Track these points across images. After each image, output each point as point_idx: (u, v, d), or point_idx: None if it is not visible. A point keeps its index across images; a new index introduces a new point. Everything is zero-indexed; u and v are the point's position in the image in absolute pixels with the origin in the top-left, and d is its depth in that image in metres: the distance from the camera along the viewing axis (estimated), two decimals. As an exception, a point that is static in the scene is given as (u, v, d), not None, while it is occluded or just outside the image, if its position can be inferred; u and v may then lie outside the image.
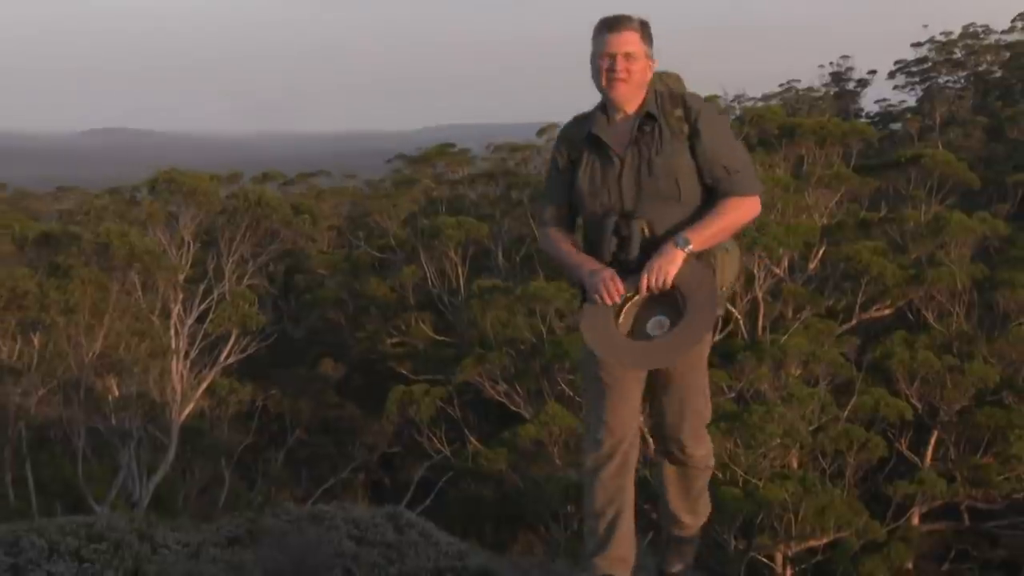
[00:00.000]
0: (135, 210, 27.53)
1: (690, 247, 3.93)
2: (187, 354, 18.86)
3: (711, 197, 4.06)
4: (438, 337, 26.94)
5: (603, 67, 4.02)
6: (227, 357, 19.53)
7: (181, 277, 19.15)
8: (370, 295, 29.30)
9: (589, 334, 4.03)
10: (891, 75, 53.50)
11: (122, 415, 17.35)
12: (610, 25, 4.03)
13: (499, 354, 21.42)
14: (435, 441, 21.36)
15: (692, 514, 4.67)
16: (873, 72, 57.17)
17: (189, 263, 19.80)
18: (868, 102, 56.00)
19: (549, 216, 4.32)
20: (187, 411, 18.75)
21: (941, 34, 53.21)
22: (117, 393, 17.86)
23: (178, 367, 18.65)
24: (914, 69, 52.62)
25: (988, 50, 51.57)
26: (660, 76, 4.17)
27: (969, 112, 45.37)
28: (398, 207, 34.45)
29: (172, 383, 18.45)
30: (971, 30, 52.67)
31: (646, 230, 4.00)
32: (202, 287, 19.39)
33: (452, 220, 28.15)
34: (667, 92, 4.10)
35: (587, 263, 4.07)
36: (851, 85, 57.35)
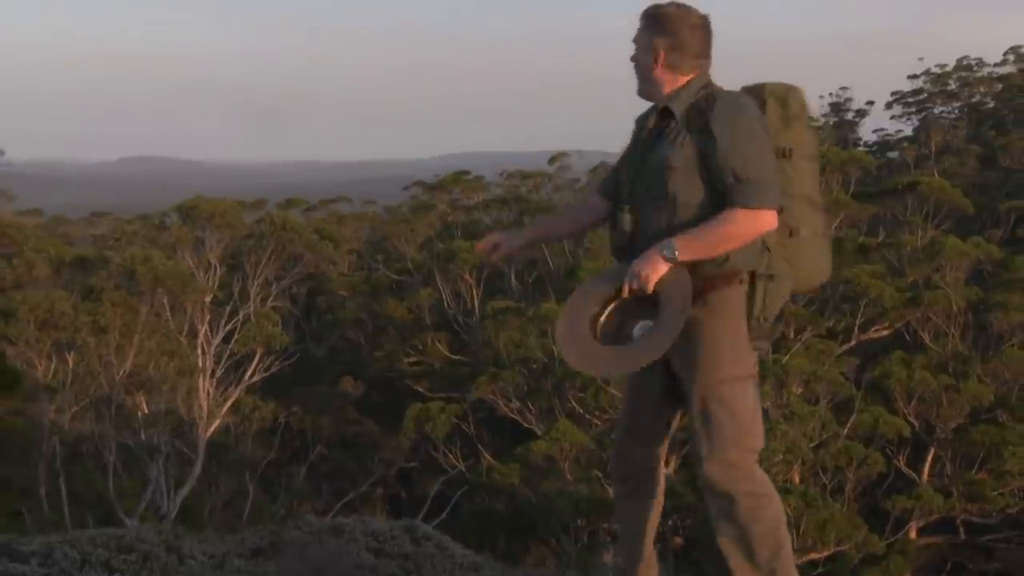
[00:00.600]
0: (165, 235, 27.64)
1: (675, 255, 3.54)
2: (213, 373, 18.90)
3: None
4: (453, 356, 26.93)
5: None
6: (252, 375, 19.56)
7: (208, 299, 19.20)
8: (388, 316, 29.32)
9: (561, 333, 3.78)
10: (888, 106, 53.55)
11: (151, 431, 17.38)
12: None
13: (512, 373, 21.41)
14: (450, 456, 21.35)
15: (739, 558, 3.75)
16: (871, 103, 57.26)
17: (216, 285, 19.86)
18: (866, 131, 56.08)
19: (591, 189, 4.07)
20: (213, 427, 18.77)
21: (936, 67, 53.29)
22: (146, 410, 17.89)
23: (205, 385, 18.68)
24: (910, 100, 52.64)
25: (981, 82, 51.56)
26: (734, 94, 3.72)
27: (963, 141, 45.32)
28: (415, 232, 34.50)
29: (199, 400, 18.48)
30: (965, 63, 52.70)
31: (630, 223, 3.74)
32: (228, 308, 19.45)
33: (467, 244, 28.17)
34: (713, 91, 3.69)
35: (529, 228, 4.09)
36: (850, 115, 57.38)
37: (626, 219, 3.76)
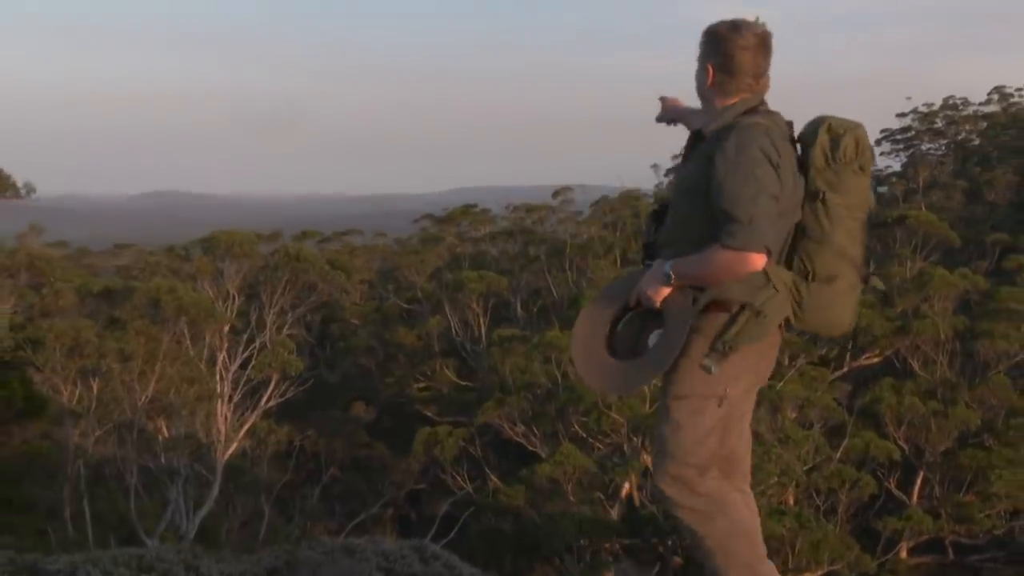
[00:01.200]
0: (186, 266, 27.70)
1: (671, 279, 3.51)
2: (231, 398, 18.90)
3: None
4: (461, 382, 26.91)
5: None
6: (267, 401, 19.55)
7: (226, 327, 19.22)
8: (398, 343, 29.32)
9: (578, 356, 3.75)
10: (878, 143, 53.47)
11: (171, 454, 17.37)
12: None
13: (517, 398, 21.39)
14: (458, 479, 21.31)
15: (709, 568, 3.71)
16: (861, 140, 57.18)
17: (234, 314, 19.89)
18: (857, 167, 56.10)
19: None
20: (230, 451, 18.75)
21: (924, 106, 53.27)
22: (167, 434, 17.89)
23: (223, 410, 18.68)
24: (899, 137, 52.65)
25: (967, 120, 51.57)
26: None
27: (950, 176, 45.31)
28: (425, 262, 34.53)
29: (217, 425, 18.48)
30: (951, 102, 52.73)
31: (653, 231, 3.74)
32: (245, 336, 19.46)
33: (474, 274, 28.22)
34: (739, 119, 3.54)
35: None
36: (841, 151, 57.36)
37: (651, 226, 3.75)
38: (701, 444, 3.60)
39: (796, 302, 3.60)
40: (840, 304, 3.63)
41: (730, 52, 3.56)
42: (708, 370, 3.55)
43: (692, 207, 3.56)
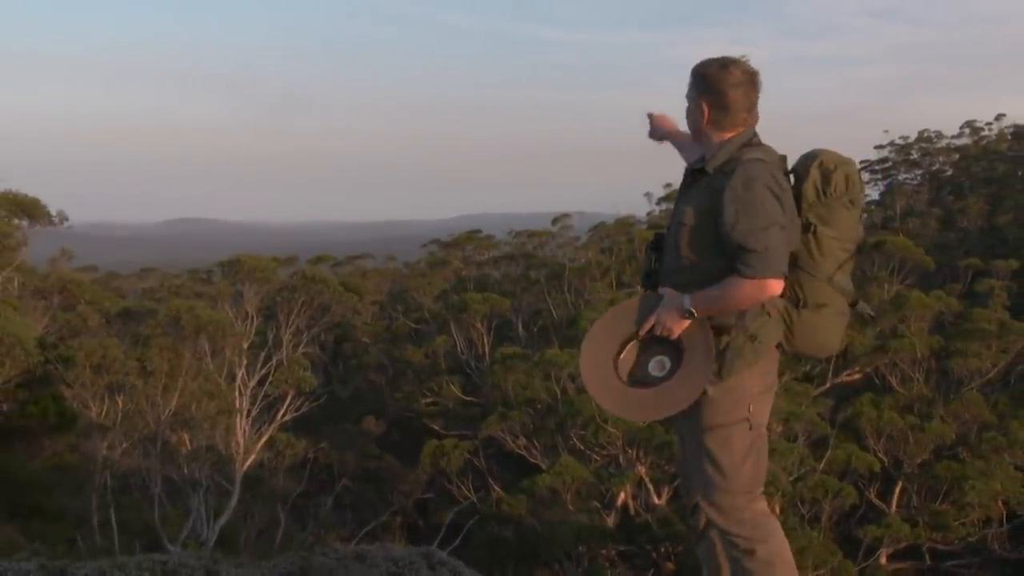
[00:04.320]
0: (208, 288, 27.69)
1: (692, 311, 3.44)
2: (249, 412, 18.85)
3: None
4: (466, 398, 26.87)
5: None
6: (284, 415, 19.50)
7: (245, 345, 19.19)
8: (407, 361, 29.28)
9: (591, 380, 3.62)
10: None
11: (193, 465, 17.31)
12: None
13: (519, 413, 21.35)
14: (463, 489, 21.25)
15: None
16: (841, 170, 57.21)
17: (252, 333, 19.85)
18: (838, 196, 56.14)
19: None
20: (248, 462, 18.69)
21: (900, 138, 53.46)
22: (189, 446, 17.84)
23: (241, 424, 18.63)
24: (877, 168, 52.75)
25: (941, 152, 51.71)
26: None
27: (925, 205, 45.41)
28: (432, 285, 34.55)
29: (236, 438, 18.42)
30: (926, 135, 52.88)
31: (652, 260, 3.67)
32: (263, 354, 19.42)
33: (478, 296, 28.21)
34: (743, 154, 3.49)
35: None
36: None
37: (650, 256, 3.68)
38: (739, 470, 3.54)
39: (787, 327, 3.57)
40: (828, 330, 3.61)
41: (723, 90, 3.53)
42: (706, 393, 3.51)
43: (698, 239, 3.51)
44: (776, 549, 3.57)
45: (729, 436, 3.54)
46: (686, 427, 3.60)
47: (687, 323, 3.47)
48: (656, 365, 3.54)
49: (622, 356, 3.59)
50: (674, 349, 3.52)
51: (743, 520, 3.55)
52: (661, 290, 3.57)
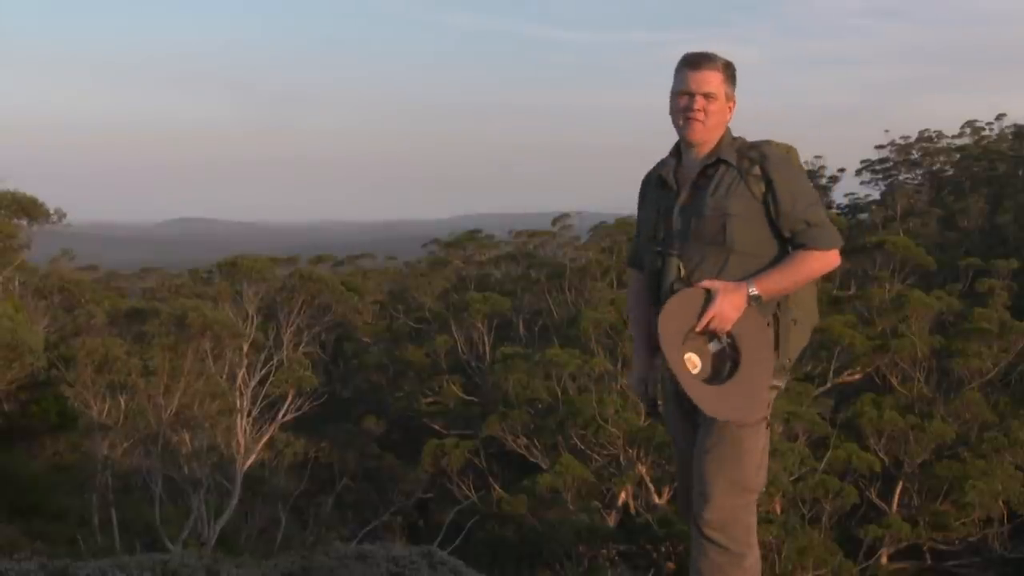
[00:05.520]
0: (208, 288, 27.68)
1: (756, 294, 3.35)
2: (250, 412, 18.85)
3: (782, 249, 3.44)
4: (466, 397, 26.88)
5: (681, 105, 3.45)
6: (284, 415, 19.49)
7: (246, 345, 19.19)
8: (408, 360, 29.27)
9: (683, 377, 3.37)
10: (858, 172, 53.62)
11: (194, 465, 17.32)
12: (692, 62, 3.45)
13: (520, 412, 21.36)
14: (464, 488, 21.26)
15: None
16: (842, 170, 57.17)
17: (253, 333, 19.85)
18: (839, 195, 56.00)
19: (630, 278, 3.81)
20: (250, 462, 18.68)
21: (901, 138, 53.40)
22: (190, 446, 17.84)
23: (242, 423, 18.62)
24: (878, 168, 52.73)
25: (941, 152, 51.65)
26: (770, 143, 3.51)
27: (925, 204, 45.39)
28: (433, 284, 34.52)
29: (237, 437, 18.41)
30: (926, 135, 52.85)
31: (682, 269, 3.42)
32: (264, 354, 19.41)
33: (479, 296, 28.23)
34: (746, 141, 3.49)
35: (635, 359, 3.76)
36: (823, 181, 57.43)
37: (675, 266, 3.44)
38: (761, 468, 3.55)
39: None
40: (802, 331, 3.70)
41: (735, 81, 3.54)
42: (779, 388, 3.60)
43: (752, 234, 3.41)
44: (757, 559, 3.56)
45: (755, 433, 3.53)
46: (710, 422, 3.49)
47: (744, 308, 3.36)
48: (714, 346, 3.42)
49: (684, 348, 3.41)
50: (719, 343, 3.41)
51: (749, 525, 3.53)
52: (708, 284, 3.39)
